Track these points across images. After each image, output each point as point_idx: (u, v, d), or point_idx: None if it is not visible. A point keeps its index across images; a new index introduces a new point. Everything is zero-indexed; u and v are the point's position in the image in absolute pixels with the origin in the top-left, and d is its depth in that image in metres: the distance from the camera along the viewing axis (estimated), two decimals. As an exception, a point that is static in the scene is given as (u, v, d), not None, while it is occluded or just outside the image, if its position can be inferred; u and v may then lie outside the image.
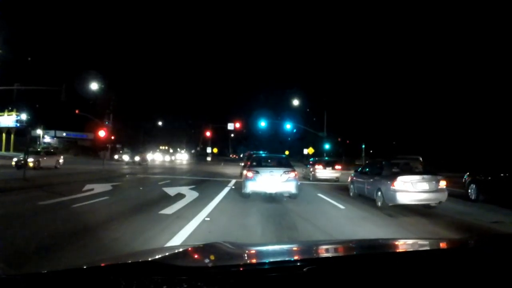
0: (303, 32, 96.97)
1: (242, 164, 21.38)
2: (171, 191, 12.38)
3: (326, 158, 26.37)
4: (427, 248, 2.07)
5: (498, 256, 1.56)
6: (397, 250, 2.04)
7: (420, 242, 2.48)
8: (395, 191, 9.22)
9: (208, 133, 49.68)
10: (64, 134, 62.91)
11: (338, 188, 15.76)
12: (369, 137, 45.39)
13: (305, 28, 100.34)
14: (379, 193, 9.89)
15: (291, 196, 11.02)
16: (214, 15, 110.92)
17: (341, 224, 7.60)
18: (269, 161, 12.57)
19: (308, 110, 43.04)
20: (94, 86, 44.59)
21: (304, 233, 6.44)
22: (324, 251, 2.00)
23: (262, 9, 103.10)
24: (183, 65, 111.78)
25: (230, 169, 30.22)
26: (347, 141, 53.91)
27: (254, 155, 16.57)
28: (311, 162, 22.98)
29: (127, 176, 20.59)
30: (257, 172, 10.79)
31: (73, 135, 64.36)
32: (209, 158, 51.57)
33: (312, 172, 21.13)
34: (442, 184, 9.55)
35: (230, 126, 45.42)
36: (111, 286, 1.15)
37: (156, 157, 51.84)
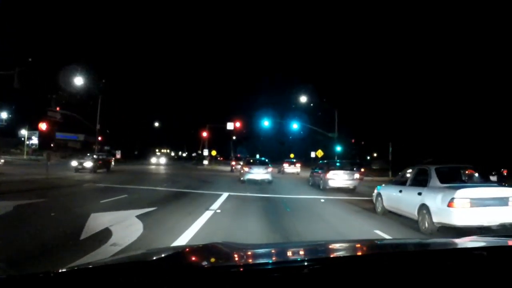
0: (307, 27, 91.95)
1: (233, 162, 33.56)
2: (101, 220, 7.07)
3: (291, 159, 36.90)
4: (430, 248, 1.99)
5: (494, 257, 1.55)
6: (399, 250, 1.96)
7: (423, 242, 2.42)
8: (327, 179, 16.25)
9: (204, 134, 43.76)
10: (52, 135, 58.71)
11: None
12: (385, 138, 39.98)
13: (309, 23, 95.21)
14: (321, 181, 16.92)
15: (269, 182, 18.30)
16: (214, 11, 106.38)
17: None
18: (257, 162, 20.66)
19: (311, 104, 37.08)
20: (79, 81, 39.25)
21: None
22: (325, 252, 1.94)
23: (264, 3, 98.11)
24: (183, 66, 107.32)
25: (222, 178, 24.71)
26: (362, 142, 48.23)
27: (249, 159, 22.90)
28: (283, 162, 34.91)
29: (85, 185, 15.33)
30: (251, 168, 18.90)
31: (62, 136, 60.31)
32: (206, 162, 44.63)
33: (282, 168, 33.06)
34: (357, 176, 17.00)
35: (230, 126, 39.89)
36: (111, 286, 1.12)
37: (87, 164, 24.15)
